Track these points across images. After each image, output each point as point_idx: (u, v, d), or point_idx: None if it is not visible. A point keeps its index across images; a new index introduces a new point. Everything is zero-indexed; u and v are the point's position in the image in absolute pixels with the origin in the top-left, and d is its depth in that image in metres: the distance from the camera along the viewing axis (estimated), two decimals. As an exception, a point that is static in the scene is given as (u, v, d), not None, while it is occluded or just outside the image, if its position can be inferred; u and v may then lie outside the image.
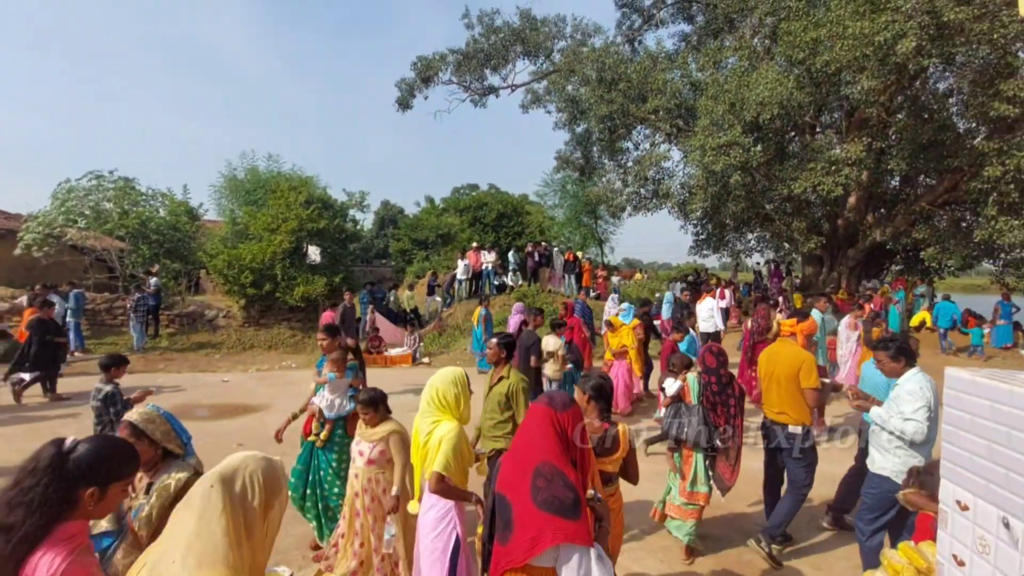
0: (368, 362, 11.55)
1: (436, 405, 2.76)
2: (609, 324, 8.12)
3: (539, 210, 26.63)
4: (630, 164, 17.15)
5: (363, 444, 3.25)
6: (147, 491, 2.22)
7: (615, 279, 18.23)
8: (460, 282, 15.61)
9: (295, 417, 4.25)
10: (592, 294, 14.27)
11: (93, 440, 1.50)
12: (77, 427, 6.86)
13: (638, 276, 21.37)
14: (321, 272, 14.34)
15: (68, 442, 1.46)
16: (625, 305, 9.55)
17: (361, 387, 3.88)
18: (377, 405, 3.22)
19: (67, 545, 1.35)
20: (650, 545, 4.16)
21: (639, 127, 16.78)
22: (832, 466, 4.64)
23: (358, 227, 17.96)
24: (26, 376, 8.09)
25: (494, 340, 3.98)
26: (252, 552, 1.34)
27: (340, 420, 3.99)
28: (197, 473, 2.25)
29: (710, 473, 3.88)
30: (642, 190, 16.07)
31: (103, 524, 2.09)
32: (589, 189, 19.23)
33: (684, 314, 7.94)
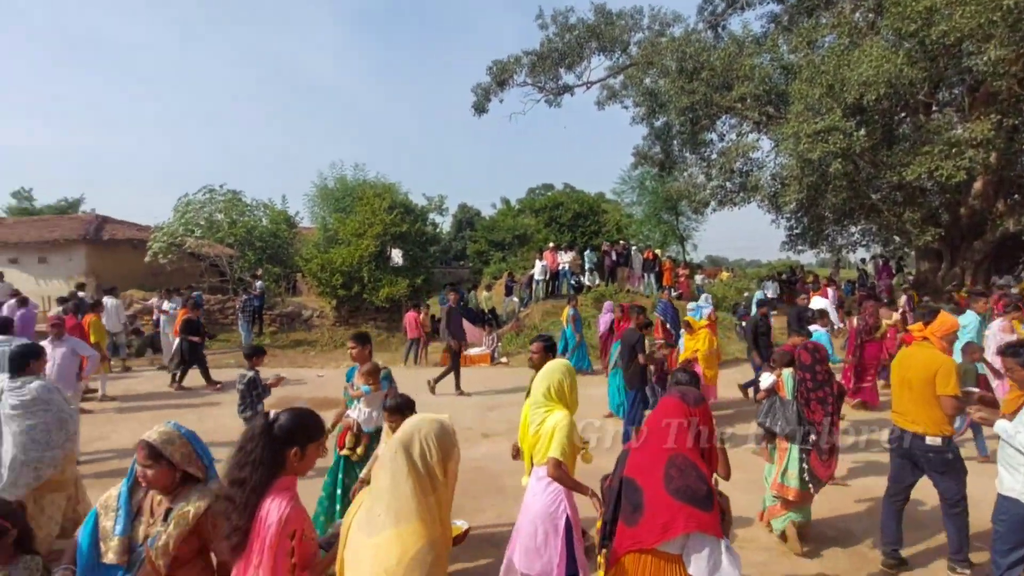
0: (447, 362, 11.85)
1: (551, 395, 2.80)
2: (687, 325, 7.79)
3: (616, 208, 26.09)
4: (714, 156, 16.30)
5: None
6: (165, 518, 2.05)
7: (699, 278, 17.44)
8: (537, 282, 15.64)
9: (328, 432, 4.32)
10: (674, 293, 13.71)
11: (290, 412, 1.87)
12: (219, 411, 7.64)
13: (724, 275, 20.28)
14: (404, 274, 14.96)
15: (272, 414, 1.84)
16: (693, 305, 9.14)
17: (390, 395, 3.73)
18: (404, 412, 3.07)
19: (287, 494, 1.75)
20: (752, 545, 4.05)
21: (724, 117, 15.92)
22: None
23: (437, 230, 18.57)
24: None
25: (537, 342, 3.95)
26: (438, 505, 1.54)
27: (376, 433, 3.89)
28: (218, 498, 2.07)
29: (804, 467, 3.78)
30: (728, 183, 15.22)
31: (111, 557, 2.01)
32: (669, 185, 18.53)
33: (812, 314, 7.52)
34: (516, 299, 15.98)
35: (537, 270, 15.66)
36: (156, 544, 2.01)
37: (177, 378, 9.44)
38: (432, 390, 9.08)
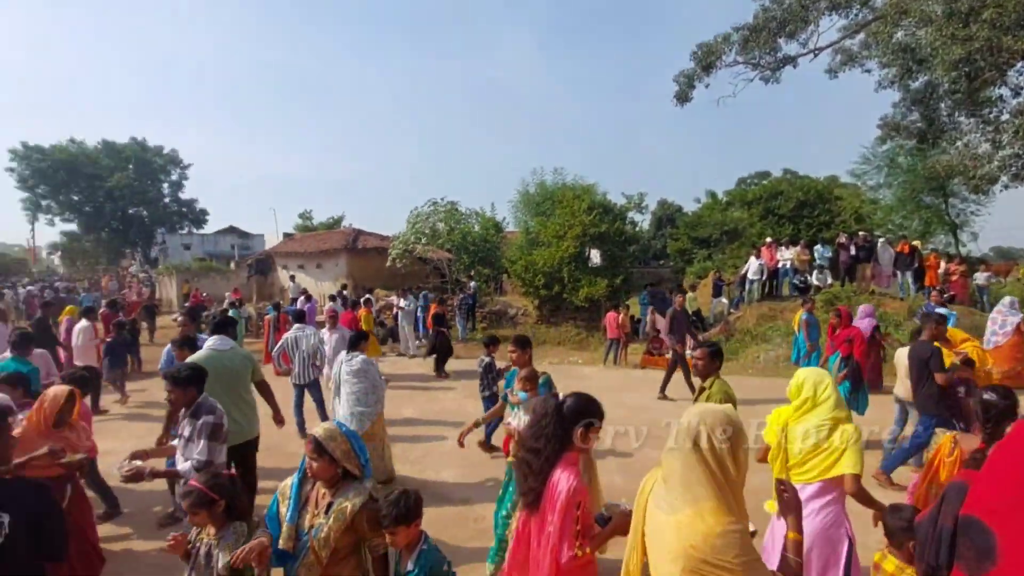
0: (647, 363, 11.36)
1: (837, 406, 2.63)
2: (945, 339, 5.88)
3: (855, 193, 21.89)
4: (1005, 118, 12.48)
5: None
6: (327, 511, 2.22)
7: (980, 276, 13.56)
8: (751, 282, 14.01)
9: (477, 425, 4.27)
10: (945, 295, 10.76)
11: (576, 395, 2.20)
12: (449, 395, 8.74)
13: (1022, 271, 15.38)
14: (602, 274, 14.91)
15: (561, 396, 2.20)
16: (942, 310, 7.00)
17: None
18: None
19: (573, 468, 2.05)
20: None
21: (1019, 65, 12.04)
22: None
23: (636, 229, 18.08)
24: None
25: (703, 348, 3.70)
26: (732, 488, 1.54)
27: None
28: (372, 499, 2.24)
29: None
30: (1027, 151, 11.48)
31: (280, 543, 2.22)
32: (934, 159, 14.74)
33: None
34: (724, 300, 14.58)
35: (752, 268, 14.03)
36: (319, 535, 2.16)
37: (436, 367, 10.71)
38: (662, 395, 8.70)
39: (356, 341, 5.41)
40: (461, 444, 4.09)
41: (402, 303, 13.55)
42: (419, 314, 14.57)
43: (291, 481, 2.38)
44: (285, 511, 2.31)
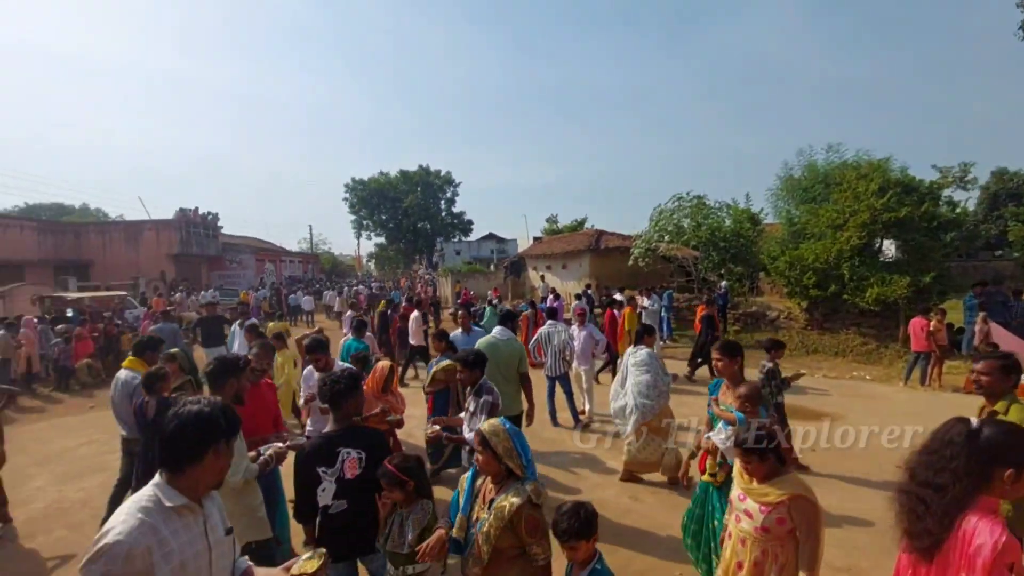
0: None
1: None
2: None
3: None
4: None
5: (750, 502, 2.37)
6: (489, 506, 2.22)
7: None
8: None
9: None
10: None
11: (1000, 425, 1.68)
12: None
13: None
14: (902, 270, 11.90)
15: (974, 422, 1.68)
16: None
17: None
18: (764, 454, 2.35)
19: (996, 519, 1.56)
20: None
21: None
22: None
23: (957, 211, 13.90)
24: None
25: (989, 360, 2.92)
26: None
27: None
28: (532, 503, 2.15)
29: None
30: None
31: (454, 531, 2.30)
32: None
33: None
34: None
35: None
36: (481, 529, 2.18)
37: (690, 368, 10.29)
38: None
39: (642, 332, 5.61)
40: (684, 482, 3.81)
41: (646, 302, 13.22)
42: (663, 314, 14.03)
43: (468, 474, 2.49)
44: (461, 501, 2.41)
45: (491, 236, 52.51)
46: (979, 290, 10.55)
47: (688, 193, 18.37)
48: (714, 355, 3.71)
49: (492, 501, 2.22)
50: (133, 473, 4.10)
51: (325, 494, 2.68)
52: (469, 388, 3.98)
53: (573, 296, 15.24)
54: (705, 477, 3.45)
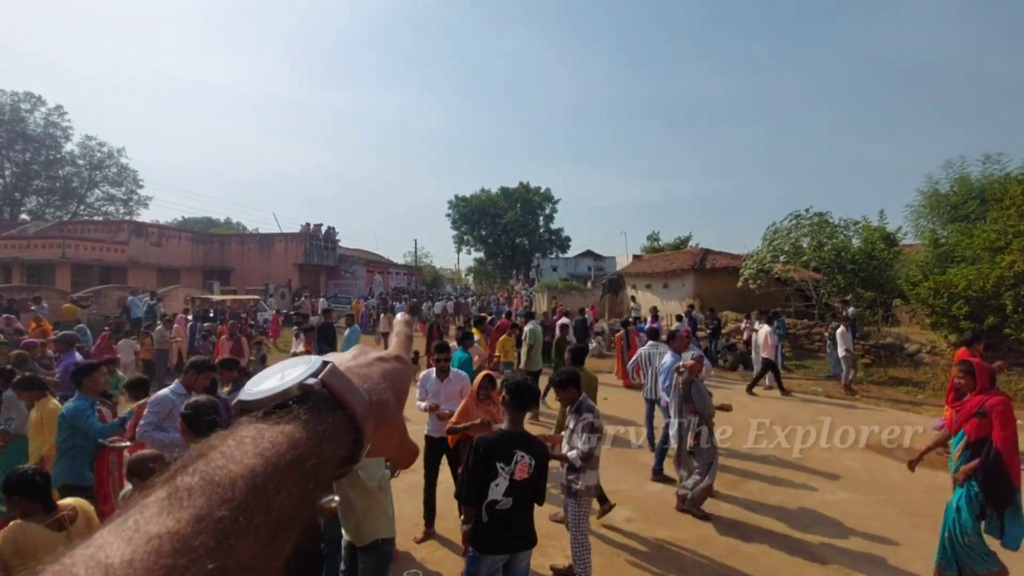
0: None
1: None
2: None
3: None
4: None
5: None
6: None
7: None
8: None
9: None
10: None
11: None
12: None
13: None
14: (1087, 302, 9.90)
15: None
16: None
17: None
18: None
19: None
20: None
21: None
22: None
23: None
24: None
25: None
26: None
27: None
28: None
29: None
30: None
31: None
32: None
33: None
34: None
35: None
36: None
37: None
38: None
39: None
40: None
41: (756, 325, 12.23)
42: (775, 341, 12.88)
43: None
44: None
45: (589, 253, 52.09)
46: None
47: (808, 210, 16.85)
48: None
49: None
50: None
51: (498, 489, 2.79)
52: (568, 407, 3.90)
53: (674, 317, 14.51)
54: None
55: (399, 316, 0.68)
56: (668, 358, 6.18)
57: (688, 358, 5.23)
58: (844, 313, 13.16)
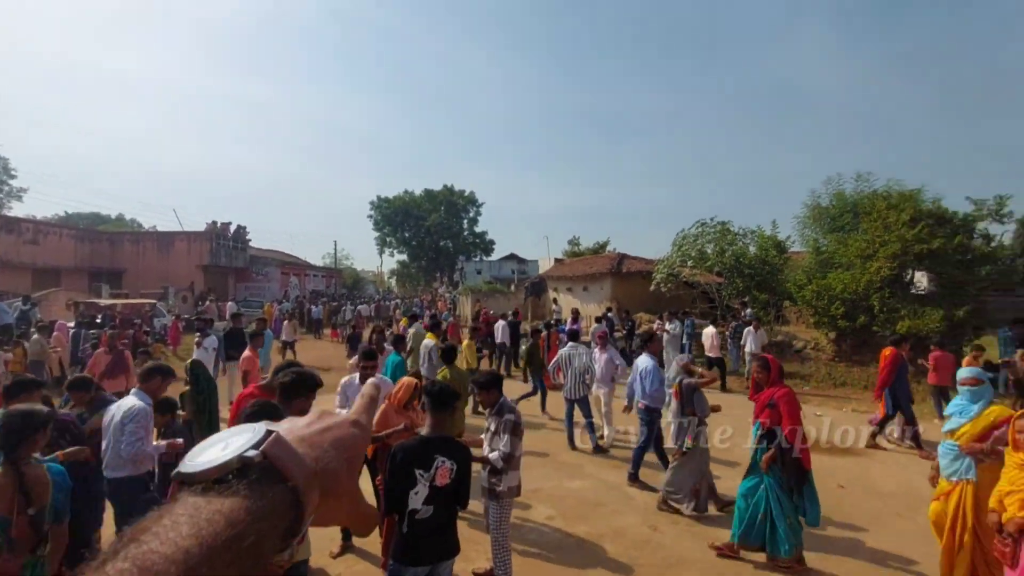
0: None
1: None
2: None
3: None
4: None
5: None
6: None
7: None
8: None
9: None
10: None
11: None
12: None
13: None
14: (935, 303, 11.54)
15: None
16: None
17: None
18: None
19: None
20: None
21: None
22: None
23: (992, 244, 13.49)
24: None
25: None
26: None
27: None
28: None
29: None
30: None
31: None
32: None
33: None
34: None
35: None
36: None
37: None
38: None
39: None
40: None
41: (667, 327, 13.05)
42: (684, 340, 13.81)
43: None
44: None
45: (512, 256, 52.70)
46: (1018, 329, 10.12)
47: (712, 219, 18.24)
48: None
49: None
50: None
51: (417, 497, 2.73)
52: (489, 408, 3.96)
53: (593, 319, 15.10)
54: None
55: (369, 380, 0.65)
56: (646, 360, 6.46)
57: (678, 362, 6.13)
58: (744, 314, 14.39)
